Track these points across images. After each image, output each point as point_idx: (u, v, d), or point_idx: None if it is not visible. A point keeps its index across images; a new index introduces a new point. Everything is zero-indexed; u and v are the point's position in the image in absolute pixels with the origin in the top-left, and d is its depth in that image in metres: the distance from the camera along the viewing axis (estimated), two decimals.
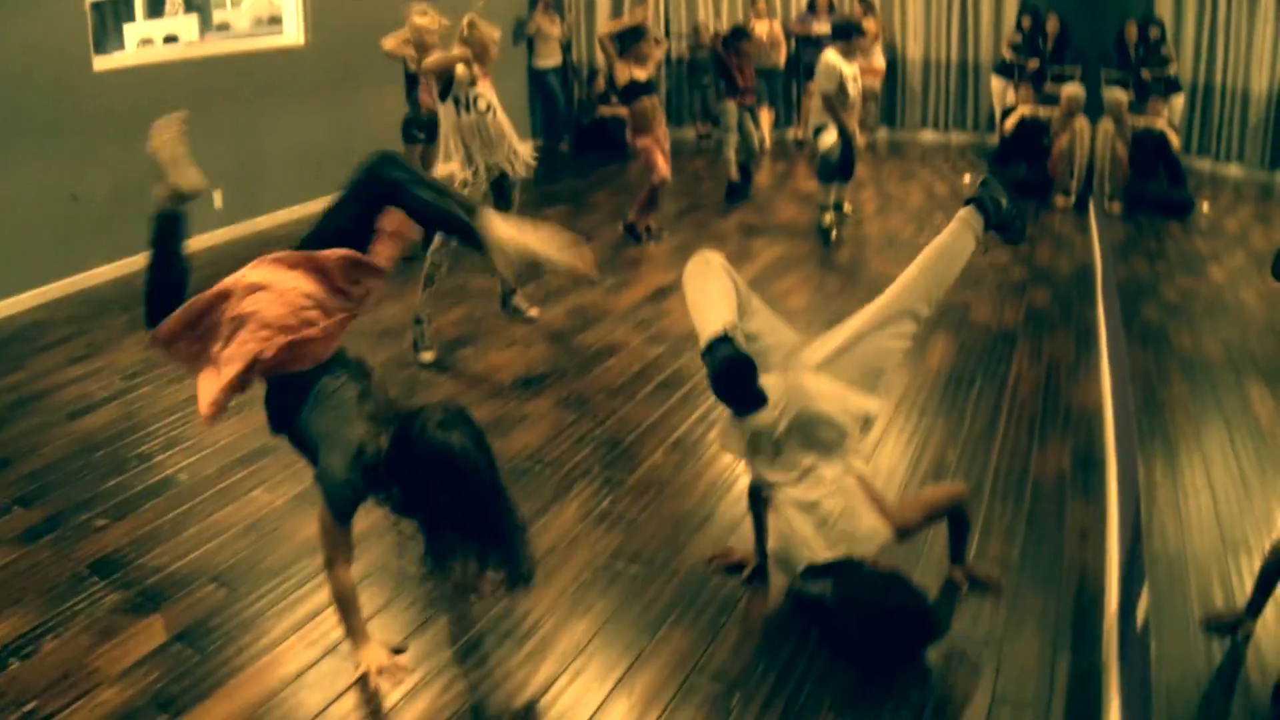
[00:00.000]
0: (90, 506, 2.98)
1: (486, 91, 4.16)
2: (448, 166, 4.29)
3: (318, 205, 6.98)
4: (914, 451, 3.22)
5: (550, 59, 9.04)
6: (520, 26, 8.86)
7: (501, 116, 4.22)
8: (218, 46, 6.92)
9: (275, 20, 7.30)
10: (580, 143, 9.31)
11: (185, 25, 7.60)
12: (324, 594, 2.48)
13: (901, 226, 6.38)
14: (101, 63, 5.67)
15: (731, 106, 7.14)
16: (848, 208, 6.51)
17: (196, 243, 6.28)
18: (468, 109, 4.12)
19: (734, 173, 7.13)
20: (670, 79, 9.80)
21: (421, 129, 5.83)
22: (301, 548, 2.66)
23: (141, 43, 7.60)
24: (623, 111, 9.07)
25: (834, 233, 5.94)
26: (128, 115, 5.42)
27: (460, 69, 4.05)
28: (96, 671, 2.22)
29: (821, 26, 8.69)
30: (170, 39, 7.44)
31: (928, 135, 9.57)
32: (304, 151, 6.91)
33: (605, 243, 5.99)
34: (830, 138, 5.83)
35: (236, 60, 6.62)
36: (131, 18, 8.00)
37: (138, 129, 5.24)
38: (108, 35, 8.47)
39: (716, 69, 7.56)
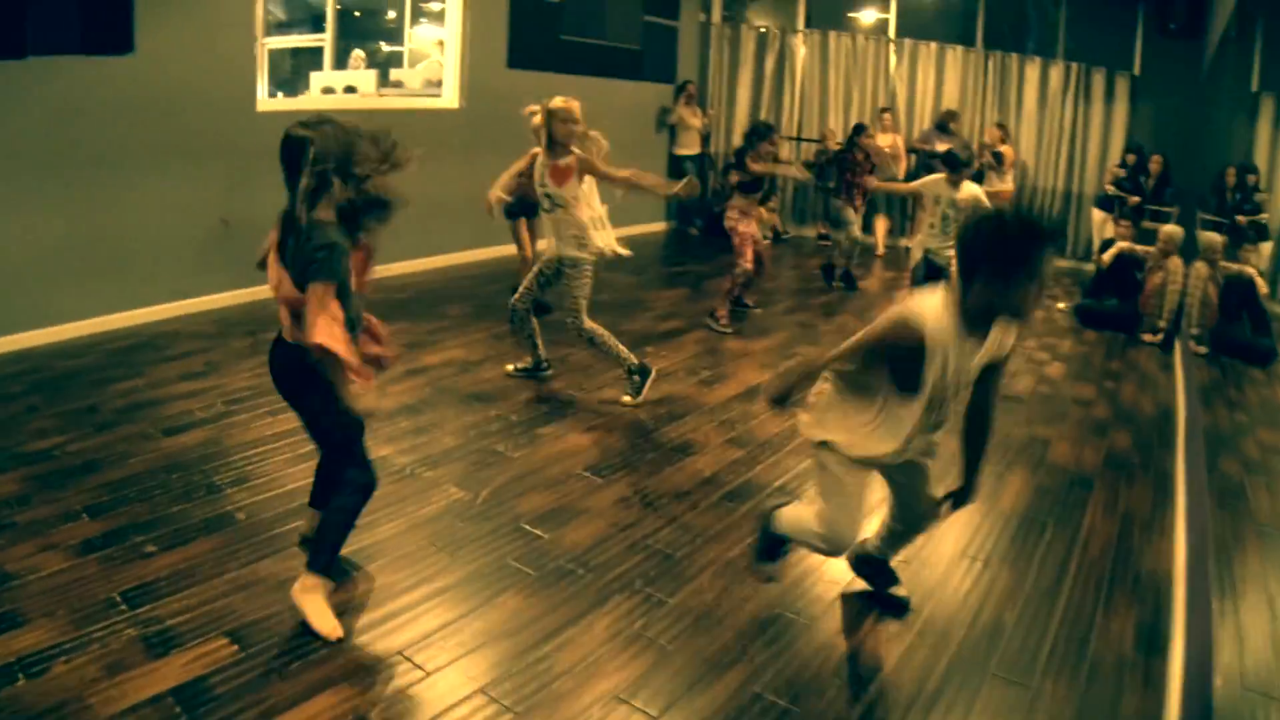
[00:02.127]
0: (148, 529, 2.87)
1: (556, 188, 4.17)
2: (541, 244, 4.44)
3: (451, 259, 7.23)
4: (973, 604, 2.76)
5: (689, 148, 9.08)
6: (663, 115, 8.87)
7: (576, 212, 4.18)
8: (373, 101, 7.13)
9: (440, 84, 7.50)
10: (711, 228, 9.21)
11: (365, 79, 7.92)
12: (328, 669, 2.26)
13: None
14: (265, 104, 5.84)
15: (846, 205, 7.29)
16: None
17: None
18: (547, 208, 4.28)
19: (839, 259, 7.23)
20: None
21: (524, 208, 5.76)
22: None
23: (324, 89, 7.95)
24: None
25: None
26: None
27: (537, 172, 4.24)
28: (89, 709, 2.06)
29: (943, 145, 8.48)
30: (350, 89, 7.75)
31: None
32: (438, 207, 6.99)
33: (708, 332, 5.75)
34: (918, 253, 5.78)
35: (389, 116, 6.69)
36: (320, 67, 8.42)
37: None
38: (300, 79, 8.92)
39: (837, 171, 7.51)
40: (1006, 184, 8.50)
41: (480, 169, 7.16)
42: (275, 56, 9.37)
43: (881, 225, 8.91)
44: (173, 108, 5.12)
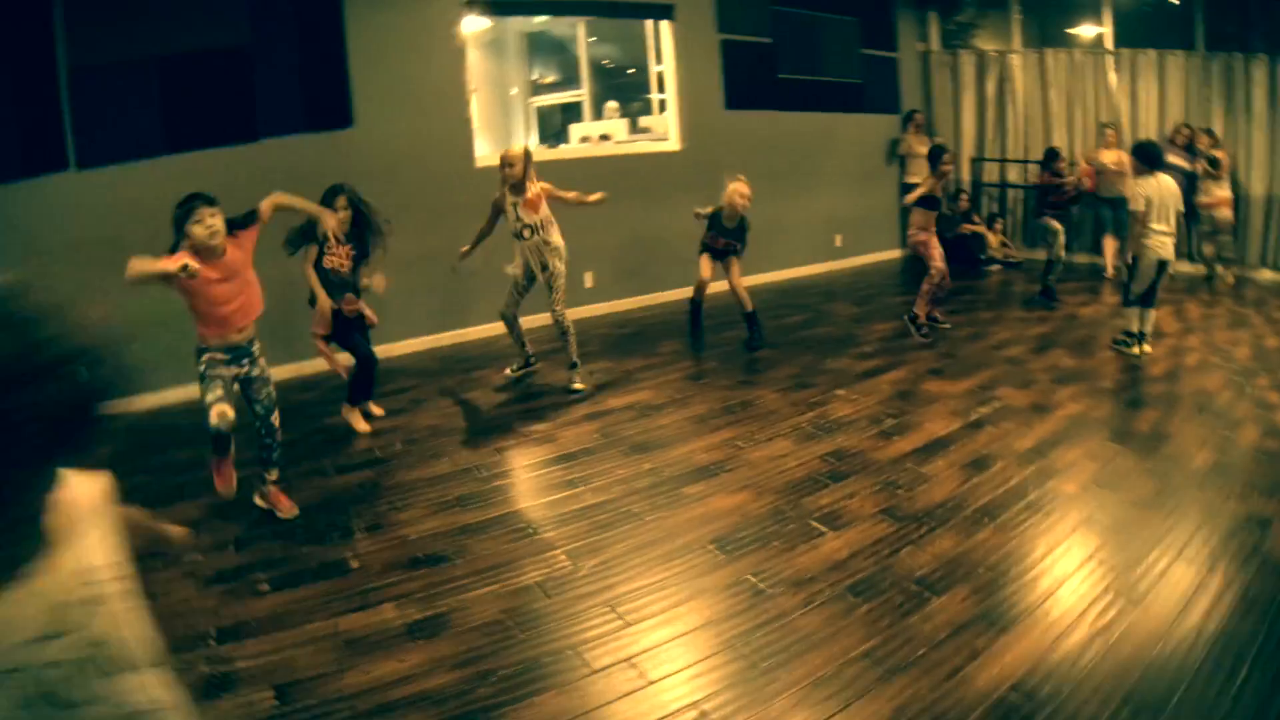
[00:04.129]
0: (272, 567, 2.93)
1: (526, 216, 4.61)
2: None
3: (671, 295, 7.04)
4: None
5: (919, 176, 8.21)
6: (894, 146, 8.13)
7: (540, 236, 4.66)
8: (602, 148, 7.15)
9: None
10: (946, 255, 8.38)
11: (617, 127, 8.05)
12: None
13: (1219, 389, 4.56)
14: (483, 160, 6.00)
15: (1050, 223, 6.70)
16: (1147, 348, 5.25)
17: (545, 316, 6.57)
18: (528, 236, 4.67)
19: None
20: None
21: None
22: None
23: (581, 139, 8.18)
24: (982, 229, 8.08)
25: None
26: None
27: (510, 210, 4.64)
28: None
29: (1175, 158, 7.25)
30: (604, 137, 7.90)
31: (1266, 274, 7.55)
32: (660, 245, 6.85)
33: (917, 369, 5.05)
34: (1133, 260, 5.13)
35: (620, 161, 6.73)
36: (579, 119, 8.71)
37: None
38: (564, 131, 9.23)
39: (1038, 196, 6.91)
40: (1224, 190, 7.18)
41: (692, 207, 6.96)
42: (548, 111, 9.83)
43: (1110, 245, 7.69)
44: (394, 172, 5.43)
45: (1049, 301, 6.60)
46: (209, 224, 3.00)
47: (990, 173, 8.92)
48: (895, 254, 9.02)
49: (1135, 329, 5.14)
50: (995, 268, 8.23)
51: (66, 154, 4.53)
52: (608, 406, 4.58)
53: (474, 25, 7.62)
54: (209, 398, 3.07)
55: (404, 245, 5.56)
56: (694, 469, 3.70)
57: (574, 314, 6.57)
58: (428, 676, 2.28)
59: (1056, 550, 2.88)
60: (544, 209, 4.64)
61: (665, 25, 6.82)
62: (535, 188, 4.62)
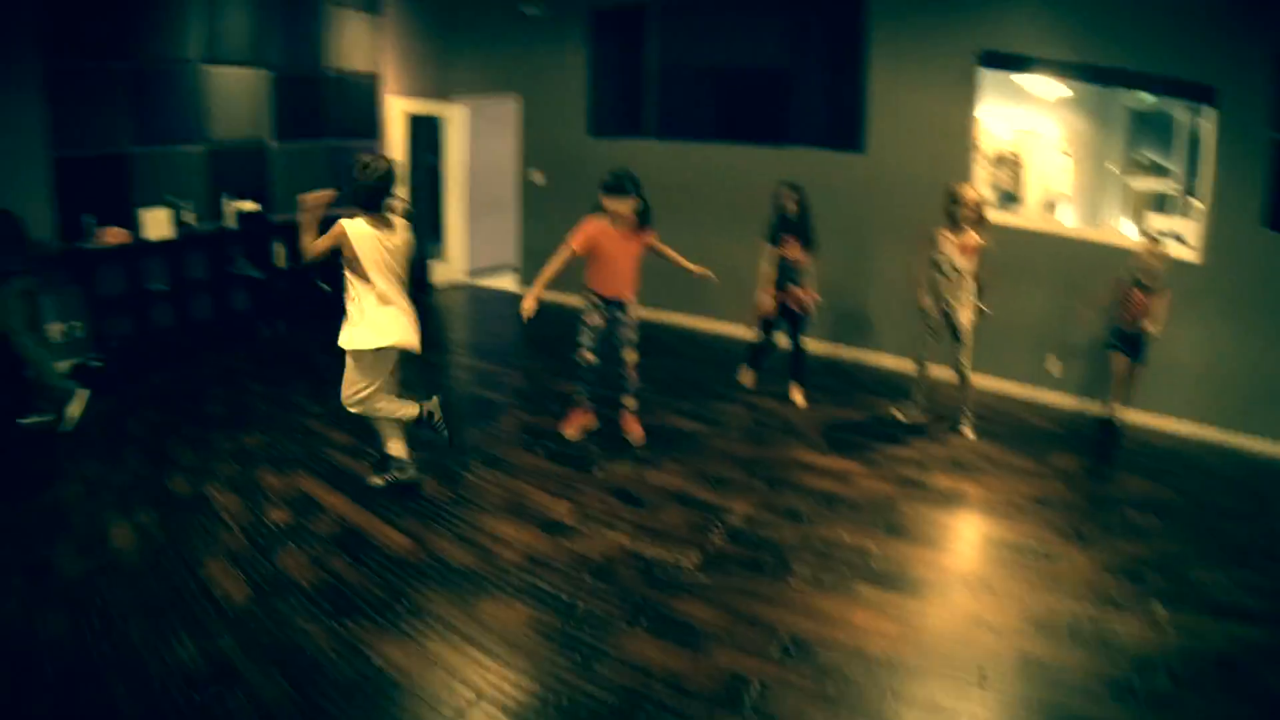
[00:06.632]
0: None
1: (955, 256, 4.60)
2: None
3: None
4: None
5: None
6: None
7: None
8: (1072, 230, 5.92)
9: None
10: None
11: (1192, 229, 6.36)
12: None
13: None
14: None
15: None
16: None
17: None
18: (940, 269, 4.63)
19: None
20: None
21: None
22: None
23: (1158, 231, 6.70)
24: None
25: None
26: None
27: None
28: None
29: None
30: (1177, 236, 6.39)
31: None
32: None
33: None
34: None
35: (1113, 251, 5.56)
36: (1161, 210, 6.97)
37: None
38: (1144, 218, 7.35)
39: None
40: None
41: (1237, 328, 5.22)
42: (1151, 196, 7.78)
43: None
44: (893, 197, 5.81)
45: None
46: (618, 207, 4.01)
47: None
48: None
49: None
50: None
51: (649, 126, 6.75)
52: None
53: (1055, 90, 6.72)
54: (582, 340, 4.05)
55: (886, 265, 5.98)
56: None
57: (1048, 396, 5.79)
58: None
59: None
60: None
61: (1207, 114, 5.16)
62: (975, 238, 4.58)
